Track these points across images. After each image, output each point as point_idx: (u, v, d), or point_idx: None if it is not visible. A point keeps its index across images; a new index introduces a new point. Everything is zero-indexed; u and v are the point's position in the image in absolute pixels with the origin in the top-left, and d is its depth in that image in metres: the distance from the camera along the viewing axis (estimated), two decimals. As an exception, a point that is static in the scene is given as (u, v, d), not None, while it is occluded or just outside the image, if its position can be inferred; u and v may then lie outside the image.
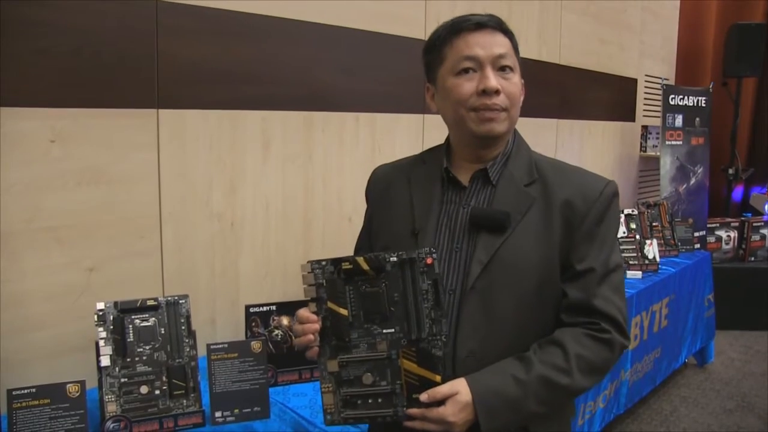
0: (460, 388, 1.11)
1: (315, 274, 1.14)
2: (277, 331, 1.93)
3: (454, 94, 1.21)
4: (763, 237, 4.97)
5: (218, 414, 1.62)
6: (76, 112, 1.78)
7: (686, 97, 4.80)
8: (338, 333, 1.14)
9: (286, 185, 2.36)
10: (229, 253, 2.21)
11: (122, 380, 1.54)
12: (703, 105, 4.91)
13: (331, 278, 1.14)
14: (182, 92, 2.01)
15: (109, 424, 1.51)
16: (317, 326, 1.14)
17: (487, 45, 1.19)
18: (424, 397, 1.10)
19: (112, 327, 1.56)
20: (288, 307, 1.93)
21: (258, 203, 2.28)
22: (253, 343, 1.69)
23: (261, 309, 1.93)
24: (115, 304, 1.58)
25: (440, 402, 1.11)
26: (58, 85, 1.74)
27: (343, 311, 1.14)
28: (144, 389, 1.56)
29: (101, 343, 1.54)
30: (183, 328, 1.62)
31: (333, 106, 2.49)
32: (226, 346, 1.66)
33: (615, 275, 1.21)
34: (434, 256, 1.12)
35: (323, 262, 1.15)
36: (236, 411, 1.64)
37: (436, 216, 1.25)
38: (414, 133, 2.87)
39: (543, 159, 1.29)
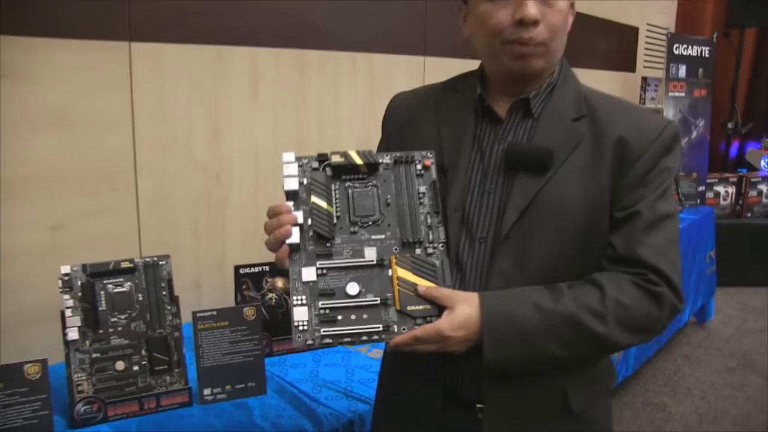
0: (465, 298, 0.96)
1: (299, 164, 1.01)
2: (270, 295, 1.75)
3: (487, 24, 1.02)
4: (760, 193, 4.89)
5: (207, 391, 1.45)
6: (31, 42, 1.55)
7: (690, 47, 4.61)
8: (319, 234, 0.98)
9: (277, 131, 2.16)
10: (214, 208, 2.02)
11: (94, 356, 1.37)
12: (707, 56, 4.72)
13: (315, 174, 1.01)
14: (159, 23, 1.80)
15: (80, 407, 1.31)
16: (295, 216, 0.97)
17: None
18: (421, 289, 0.96)
19: (80, 294, 1.37)
20: (283, 269, 1.74)
21: (246, 152, 2.09)
22: (246, 309, 1.50)
23: (252, 270, 1.74)
24: (84, 267, 1.39)
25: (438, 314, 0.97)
26: (5, 10, 1.49)
27: (329, 207, 0.99)
28: (120, 365, 1.39)
29: (68, 312, 1.36)
30: (164, 293, 1.45)
31: (328, 44, 2.29)
32: (214, 313, 1.47)
33: (667, 224, 1.03)
34: (432, 158, 1.04)
35: (308, 158, 1.02)
36: (228, 387, 1.47)
37: (468, 152, 1.08)
38: (414, 78, 2.68)
39: (594, 93, 1.12)
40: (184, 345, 1.45)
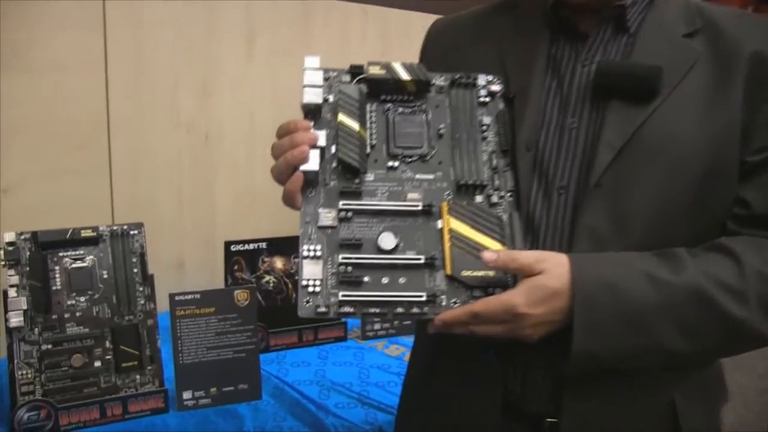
0: (551, 261, 0.72)
1: (325, 75, 0.80)
2: (268, 278, 1.51)
3: None
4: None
5: (187, 395, 1.20)
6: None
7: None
8: (346, 165, 0.76)
9: (276, 89, 1.90)
10: (202, 175, 1.78)
11: (44, 347, 1.13)
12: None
13: (346, 88, 0.80)
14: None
15: (22, 414, 1.05)
16: (315, 136, 0.76)
17: None
18: (488, 256, 0.72)
19: (28, 269, 1.14)
20: (282, 245, 1.53)
21: (240, 111, 1.83)
22: (237, 292, 1.25)
23: (246, 247, 1.50)
24: (34, 235, 1.16)
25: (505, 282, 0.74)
26: None
27: (361, 130, 0.78)
28: (77, 360, 1.15)
29: (11, 292, 1.12)
30: (135, 270, 1.22)
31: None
32: (197, 296, 1.23)
33: None
34: (500, 84, 0.84)
35: (337, 70, 0.81)
36: (213, 390, 1.22)
37: (540, 77, 0.84)
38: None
39: (707, 3, 0.86)
40: (160, 336, 1.22)
